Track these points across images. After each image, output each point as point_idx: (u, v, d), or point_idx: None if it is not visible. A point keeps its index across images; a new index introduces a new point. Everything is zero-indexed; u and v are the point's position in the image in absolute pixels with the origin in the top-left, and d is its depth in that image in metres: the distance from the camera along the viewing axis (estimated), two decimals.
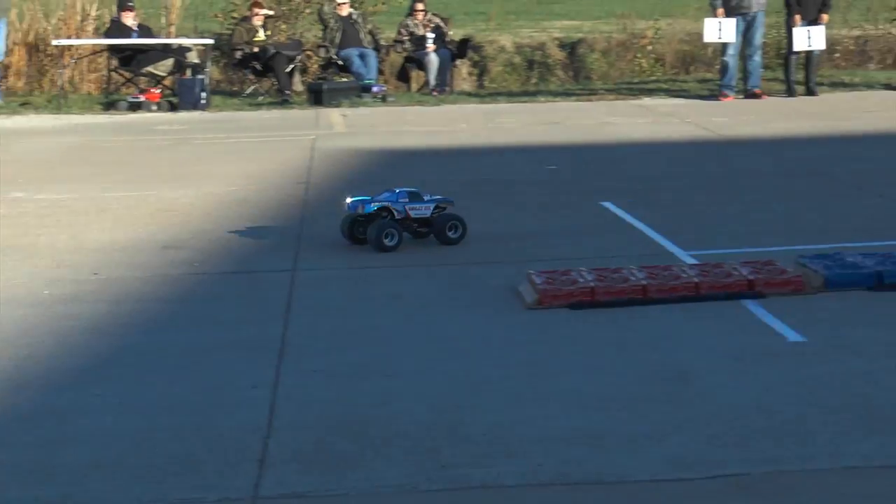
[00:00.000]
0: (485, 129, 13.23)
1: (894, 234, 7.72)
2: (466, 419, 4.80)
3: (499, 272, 7.07)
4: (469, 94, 16.97)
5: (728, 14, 14.65)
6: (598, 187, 9.67)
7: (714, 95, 15.13)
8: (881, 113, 13.49)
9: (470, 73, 20.45)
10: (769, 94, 15.06)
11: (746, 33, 14.79)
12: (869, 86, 15.79)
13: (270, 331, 6.05)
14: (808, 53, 15.02)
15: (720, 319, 6.09)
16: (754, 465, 4.30)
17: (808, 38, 14.84)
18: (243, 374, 5.40)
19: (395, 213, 7.69)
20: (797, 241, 7.62)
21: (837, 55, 19.13)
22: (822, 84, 15.57)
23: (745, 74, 15.08)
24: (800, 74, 15.19)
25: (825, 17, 14.90)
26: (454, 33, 18.13)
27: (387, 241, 7.58)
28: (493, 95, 16.60)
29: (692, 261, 7.16)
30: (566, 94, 16.28)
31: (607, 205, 8.92)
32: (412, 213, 7.74)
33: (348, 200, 7.76)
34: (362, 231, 7.73)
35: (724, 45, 14.90)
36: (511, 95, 16.52)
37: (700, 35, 15.52)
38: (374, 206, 7.68)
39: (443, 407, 4.94)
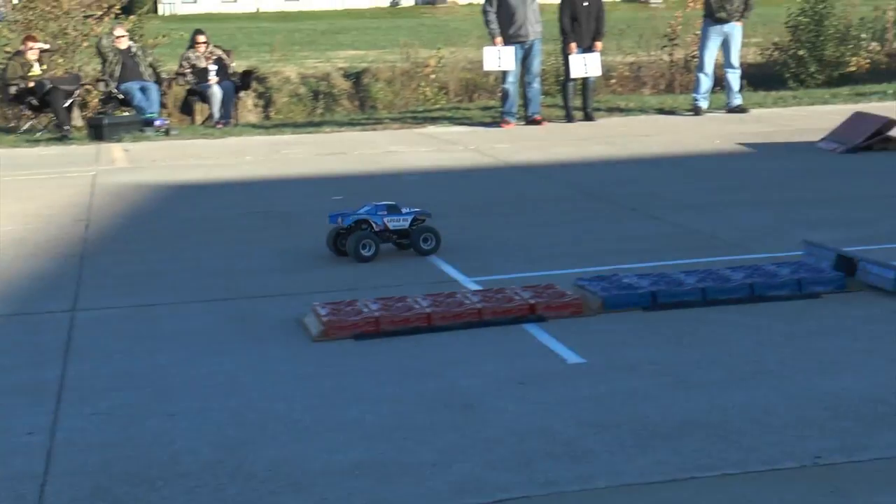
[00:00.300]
0: (270, 161, 13.17)
1: (668, 255, 7.99)
2: (250, 455, 4.76)
3: (284, 305, 7.05)
4: (254, 126, 16.89)
5: (506, 42, 14.93)
6: None
7: (496, 122, 15.39)
8: (655, 137, 13.94)
9: (255, 105, 20.40)
10: (549, 120, 15.40)
11: (525, 61, 15.10)
12: (643, 110, 16.30)
13: (48, 374, 5.88)
14: (585, 80, 15.42)
15: (503, 344, 6.18)
16: (535, 487, 4.38)
17: (585, 65, 15.24)
18: (19, 421, 5.24)
19: (374, 226, 8.17)
20: (577, 264, 7.80)
21: (614, 81, 19.75)
22: (599, 109, 16.01)
23: (526, 101, 15.40)
24: (578, 100, 15.58)
25: (599, 44, 15.34)
26: (237, 65, 18.04)
27: (364, 252, 8.06)
28: (279, 126, 16.56)
29: (475, 287, 7.27)
30: (351, 124, 16.34)
31: None
32: (390, 225, 8.22)
33: (329, 215, 8.29)
34: (344, 243, 8.17)
35: (505, 73, 15.19)
36: (297, 126, 16.50)
37: (481, 63, 15.78)
38: (351, 220, 8.15)
39: (226, 444, 4.88)
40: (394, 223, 8.22)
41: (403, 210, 8.30)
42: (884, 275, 6.82)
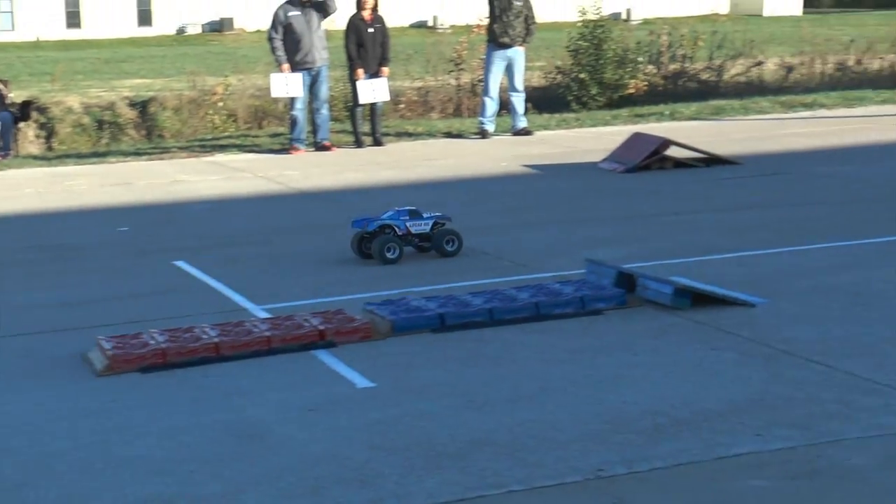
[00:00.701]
0: (52, 193, 12.83)
1: (456, 276, 8.10)
2: (32, 496, 4.63)
3: (67, 340, 6.88)
4: (36, 158, 16.42)
5: (294, 69, 14.91)
6: (171, 247, 9.60)
7: (285, 149, 15.34)
8: (443, 160, 14.11)
9: (37, 136, 19.84)
10: (338, 146, 15.41)
11: (312, 87, 15.11)
12: (431, 134, 16.47)
13: None
14: (373, 105, 15.51)
15: (293, 371, 6.17)
16: None
17: (373, 90, 15.33)
18: None
19: (397, 230, 8.62)
20: (366, 288, 7.84)
21: (402, 106, 19.87)
22: (388, 134, 16.11)
23: (315, 127, 15.39)
24: (367, 126, 15.65)
25: (386, 70, 15.44)
26: (16, 95, 17.53)
27: (388, 255, 8.51)
28: (62, 157, 16.14)
29: (265, 315, 7.23)
30: (138, 154, 16.04)
31: (181, 264, 8.88)
32: (413, 229, 8.68)
33: (352, 221, 8.81)
34: (368, 247, 8.64)
35: (293, 100, 15.16)
36: (81, 157, 16.11)
37: (269, 90, 15.70)
38: (376, 225, 8.62)
39: (6, 486, 4.74)
40: (416, 227, 8.69)
41: (424, 215, 8.77)
42: (661, 290, 7.05)
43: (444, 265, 8.55)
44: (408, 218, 8.73)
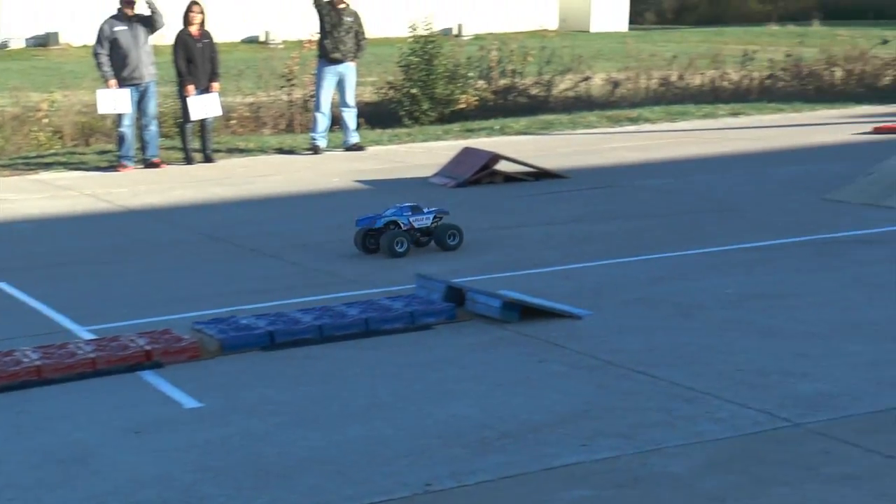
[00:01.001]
0: None
1: (288, 293, 8.04)
2: None
3: None
4: None
5: (121, 85, 14.67)
6: None
7: (114, 167, 15.07)
8: (275, 176, 14.03)
9: None
10: (168, 163, 15.21)
11: (141, 103, 14.88)
12: (263, 150, 16.36)
13: None
14: (203, 121, 15.34)
15: (118, 393, 6.07)
16: None
17: (204, 106, 15.17)
18: None
19: (402, 225, 9.06)
20: (195, 307, 7.74)
21: (234, 122, 19.66)
22: (219, 150, 15.94)
23: (143, 144, 15.15)
24: (197, 142, 15.48)
25: (216, 85, 15.29)
26: None
27: (398, 248, 8.95)
28: None
29: (90, 336, 7.09)
30: None
31: (2, 285, 8.67)
32: (415, 224, 9.13)
33: (357, 219, 9.20)
34: (373, 242, 9.11)
35: (120, 116, 14.90)
36: None
37: (97, 106, 15.40)
38: (382, 221, 9.06)
39: None
40: (418, 222, 9.13)
41: (425, 210, 9.21)
42: (490, 304, 7.13)
43: (273, 282, 8.50)
44: (410, 213, 9.16)
